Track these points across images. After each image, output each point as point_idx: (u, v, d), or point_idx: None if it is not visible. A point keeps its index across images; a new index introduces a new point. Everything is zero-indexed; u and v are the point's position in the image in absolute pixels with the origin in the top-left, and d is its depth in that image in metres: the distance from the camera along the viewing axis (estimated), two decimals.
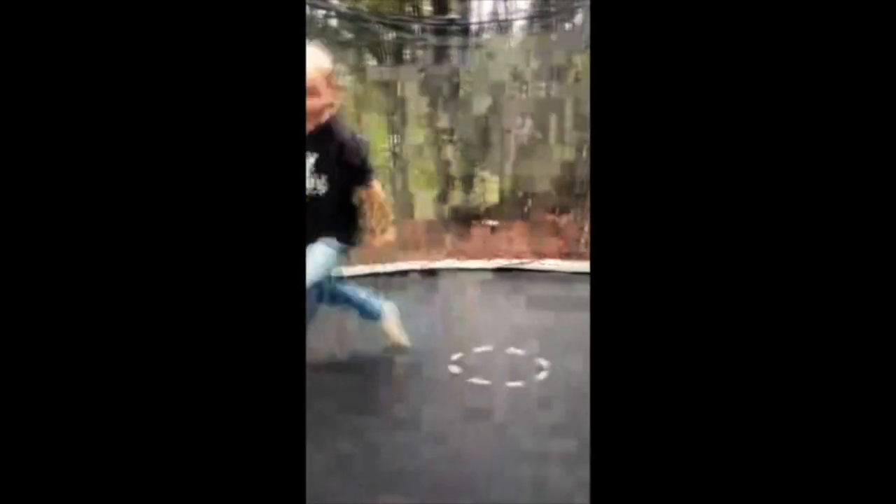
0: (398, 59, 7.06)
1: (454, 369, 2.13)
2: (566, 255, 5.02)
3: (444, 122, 6.43)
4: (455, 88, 6.37)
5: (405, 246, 5.81)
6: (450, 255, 5.19)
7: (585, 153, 5.43)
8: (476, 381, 2.01)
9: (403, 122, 6.96)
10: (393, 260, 4.44)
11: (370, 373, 2.14)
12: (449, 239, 5.87)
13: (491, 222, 5.99)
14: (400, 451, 1.49)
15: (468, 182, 6.47)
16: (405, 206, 6.88)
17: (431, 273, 4.03)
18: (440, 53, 6.32)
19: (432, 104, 6.46)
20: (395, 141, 6.94)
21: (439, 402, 1.88)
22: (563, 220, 5.68)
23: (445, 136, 6.48)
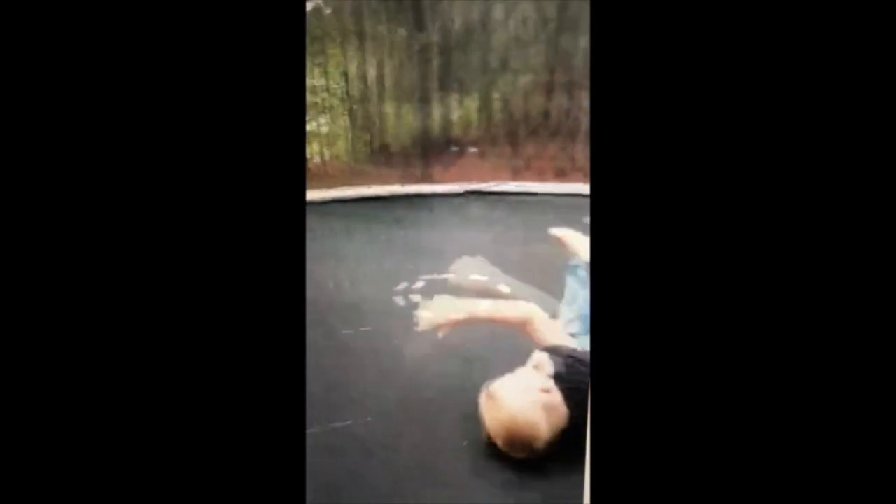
0: None
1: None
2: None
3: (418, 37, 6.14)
4: None
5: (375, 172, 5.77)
6: (422, 179, 5.17)
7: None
8: None
9: (363, 42, 6.65)
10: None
11: None
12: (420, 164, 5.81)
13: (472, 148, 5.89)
14: None
15: (446, 105, 6.31)
16: (375, 133, 6.75)
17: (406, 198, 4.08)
18: None
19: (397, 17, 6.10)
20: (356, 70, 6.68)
21: None
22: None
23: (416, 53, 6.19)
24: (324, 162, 6.95)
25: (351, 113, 6.92)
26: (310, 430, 1.25)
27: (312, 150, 6.86)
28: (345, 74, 6.82)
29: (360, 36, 6.55)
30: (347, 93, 6.80)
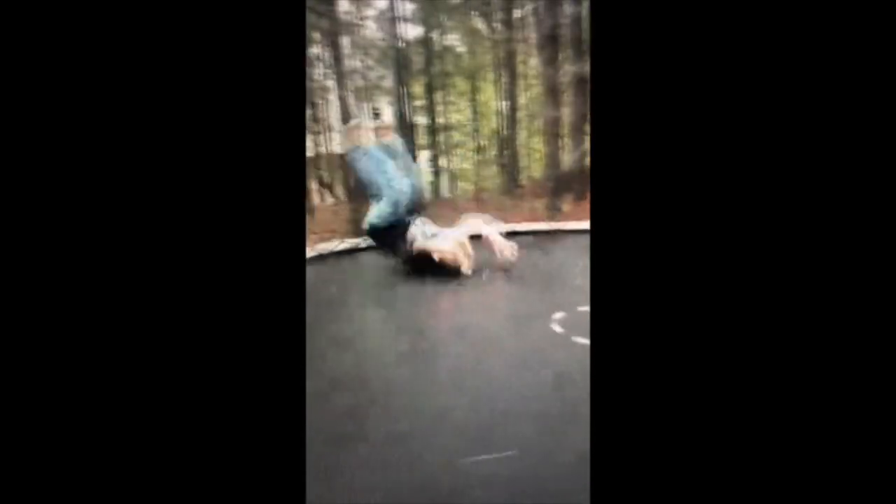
0: (508, 17, 6.87)
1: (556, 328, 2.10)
2: None
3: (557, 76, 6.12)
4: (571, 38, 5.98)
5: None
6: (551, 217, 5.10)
7: None
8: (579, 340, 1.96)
9: (513, 82, 6.82)
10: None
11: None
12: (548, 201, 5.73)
13: None
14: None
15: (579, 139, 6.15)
16: (513, 170, 6.84)
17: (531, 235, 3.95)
18: (553, 4, 5.99)
19: (547, 60, 6.17)
20: (506, 105, 6.83)
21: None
22: None
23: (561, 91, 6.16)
24: (454, 196, 7.18)
25: (481, 148, 7.08)
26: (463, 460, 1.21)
27: (443, 185, 7.14)
28: (476, 110, 7.05)
29: (497, 70, 6.75)
30: (478, 129, 7.00)
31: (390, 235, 2.56)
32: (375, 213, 2.55)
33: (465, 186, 7.37)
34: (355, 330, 2.12)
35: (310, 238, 4.71)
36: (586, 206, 5.27)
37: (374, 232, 2.56)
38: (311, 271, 2.60)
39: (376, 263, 2.91)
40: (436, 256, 2.47)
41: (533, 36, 6.48)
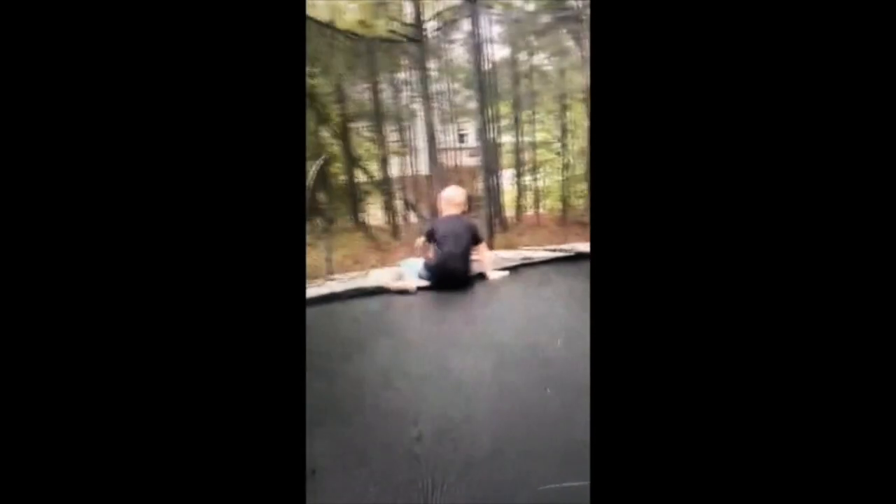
0: None
1: None
2: None
3: None
4: None
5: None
6: None
7: None
8: None
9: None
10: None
11: None
12: None
13: None
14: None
15: None
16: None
17: None
18: None
19: None
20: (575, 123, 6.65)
21: None
22: None
23: None
24: (538, 214, 7.05)
25: (568, 166, 6.92)
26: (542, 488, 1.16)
27: (527, 203, 7.04)
28: (564, 128, 6.89)
29: (587, 87, 6.59)
30: (566, 146, 6.85)
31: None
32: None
33: (551, 204, 7.23)
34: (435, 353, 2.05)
35: (396, 253, 4.85)
36: None
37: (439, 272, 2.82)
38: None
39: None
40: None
41: None
